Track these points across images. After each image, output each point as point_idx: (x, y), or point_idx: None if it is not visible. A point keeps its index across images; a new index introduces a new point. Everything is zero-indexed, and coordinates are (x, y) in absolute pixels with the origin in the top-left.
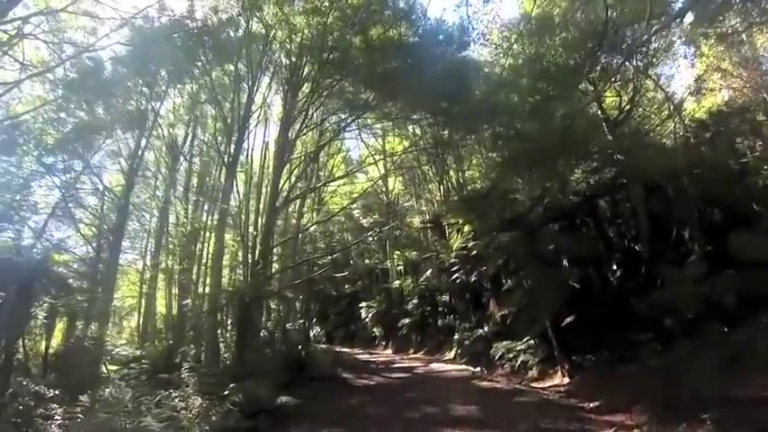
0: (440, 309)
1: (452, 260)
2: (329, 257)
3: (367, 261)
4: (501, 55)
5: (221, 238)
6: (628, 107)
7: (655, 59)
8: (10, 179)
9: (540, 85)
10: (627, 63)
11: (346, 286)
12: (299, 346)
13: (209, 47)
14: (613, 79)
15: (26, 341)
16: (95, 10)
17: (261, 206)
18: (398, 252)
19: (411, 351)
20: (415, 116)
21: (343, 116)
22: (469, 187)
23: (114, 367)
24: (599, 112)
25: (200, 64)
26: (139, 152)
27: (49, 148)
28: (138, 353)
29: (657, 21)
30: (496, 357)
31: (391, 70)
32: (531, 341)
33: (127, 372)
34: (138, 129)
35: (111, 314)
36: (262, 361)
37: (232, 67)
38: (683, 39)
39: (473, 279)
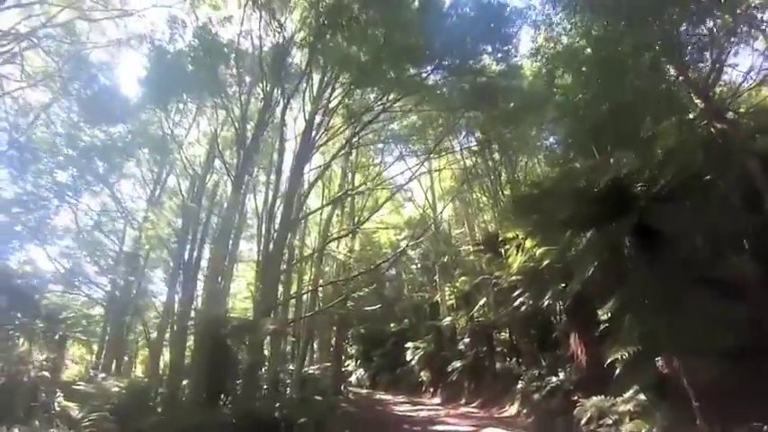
0: (497, 348)
1: (513, 279)
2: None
3: (415, 295)
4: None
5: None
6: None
7: None
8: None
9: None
10: None
11: (392, 324)
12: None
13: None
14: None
15: None
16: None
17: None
18: (449, 283)
19: (462, 401)
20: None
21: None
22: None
23: (72, 404)
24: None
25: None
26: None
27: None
28: (114, 389)
29: None
30: (584, 420)
31: None
32: (643, 396)
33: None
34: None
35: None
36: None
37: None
38: None
39: (545, 303)
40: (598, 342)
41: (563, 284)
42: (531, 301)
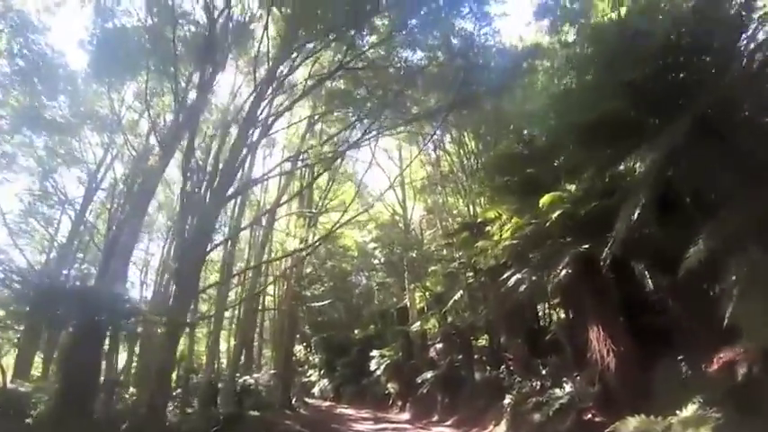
0: (476, 356)
1: (500, 256)
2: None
3: (382, 299)
4: None
5: None
6: None
7: None
8: None
9: None
10: None
11: (356, 331)
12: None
13: None
14: None
15: None
16: None
17: None
18: (419, 284)
19: (435, 418)
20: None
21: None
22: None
23: None
24: None
25: None
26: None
27: None
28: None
29: None
30: None
31: None
32: (716, 412)
33: None
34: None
35: None
36: None
37: None
38: None
39: (560, 273)
40: (637, 336)
41: (585, 245)
42: (533, 276)
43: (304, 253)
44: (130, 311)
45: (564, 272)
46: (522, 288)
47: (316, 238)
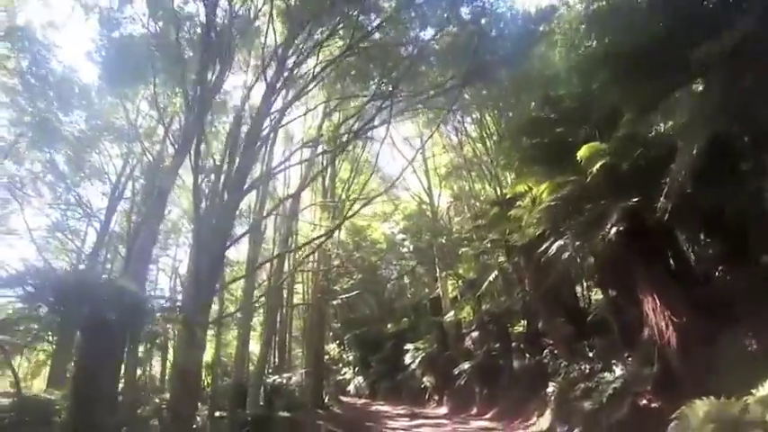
0: (514, 343)
1: (535, 229)
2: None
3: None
4: None
5: None
6: None
7: None
8: None
9: None
10: None
11: (389, 325)
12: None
13: None
14: None
15: None
16: None
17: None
18: (450, 271)
19: (474, 411)
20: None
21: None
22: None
23: None
24: None
25: None
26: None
27: None
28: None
29: None
30: None
31: None
32: None
33: None
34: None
35: None
36: None
37: None
38: None
39: (599, 242)
40: (703, 305)
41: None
42: (576, 242)
43: (324, 238)
44: (143, 309)
45: (611, 233)
46: (565, 255)
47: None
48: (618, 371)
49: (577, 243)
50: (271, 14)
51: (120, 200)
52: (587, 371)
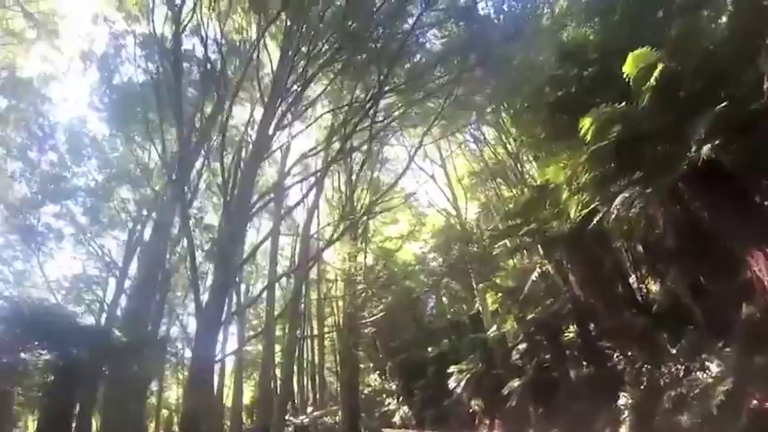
0: (567, 351)
1: (581, 196)
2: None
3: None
4: None
5: None
6: None
7: None
8: None
9: None
10: None
11: (429, 349)
12: None
13: None
14: None
15: None
16: None
17: None
18: (487, 282)
19: None
20: None
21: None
22: None
23: None
24: None
25: None
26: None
27: None
28: None
29: None
30: None
31: None
32: None
33: None
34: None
35: None
36: None
37: None
38: None
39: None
40: None
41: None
42: (647, 187)
43: (353, 270)
44: (120, 345)
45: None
46: (636, 205)
47: (366, 254)
48: (714, 367)
49: (648, 190)
50: (260, 44)
51: (138, 247)
52: (675, 373)
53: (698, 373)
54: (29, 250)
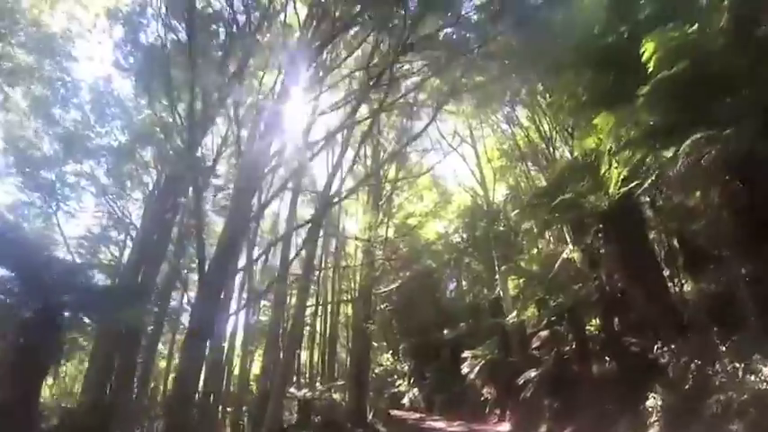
0: (590, 345)
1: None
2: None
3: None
4: None
5: None
6: None
7: None
8: None
9: None
10: None
11: (445, 331)
12: None
13: None
14: None
15: None
16: None
17: None
18: (511, 265)
19: (543, 429)
20: None
21: None
22: None
23: None
24: None
25: None
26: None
27: None
28: None
29: None
30: None
31: None
32: None
33: None
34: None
35: None
36: None
37: None
38: None
39: None
40: None
41: None
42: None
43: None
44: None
45: None
46: (713, 152)
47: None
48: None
49: (727, 131)
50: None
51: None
52: (732, 373)
53: (750, 375)
54: (49, 208)
